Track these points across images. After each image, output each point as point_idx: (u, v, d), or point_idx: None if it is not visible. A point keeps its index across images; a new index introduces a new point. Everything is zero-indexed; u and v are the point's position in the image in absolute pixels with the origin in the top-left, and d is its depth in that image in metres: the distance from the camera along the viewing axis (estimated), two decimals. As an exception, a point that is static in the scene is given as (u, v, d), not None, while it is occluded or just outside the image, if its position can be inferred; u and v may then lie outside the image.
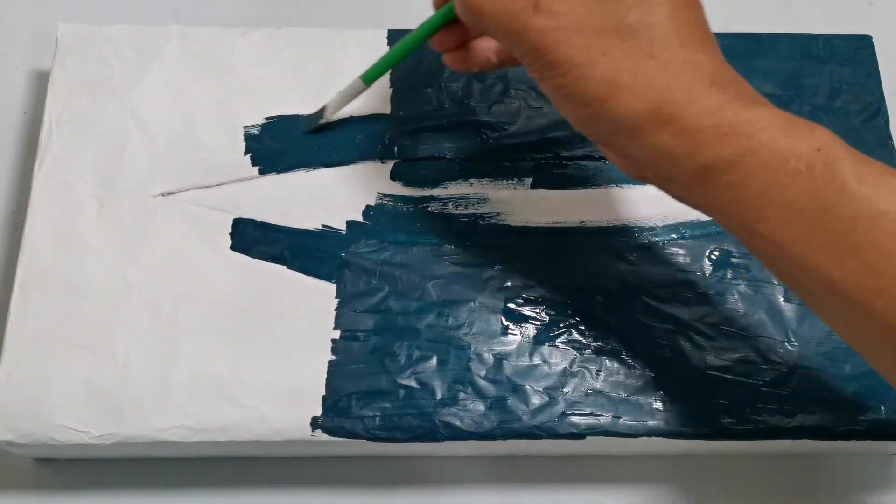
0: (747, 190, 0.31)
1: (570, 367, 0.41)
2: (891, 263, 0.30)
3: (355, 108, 0.46)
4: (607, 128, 0.33)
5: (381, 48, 0.48)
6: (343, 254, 0.43)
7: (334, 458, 0.44)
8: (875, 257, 0.30)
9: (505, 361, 0.41)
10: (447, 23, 0.38)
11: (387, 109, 0.46)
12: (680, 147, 0.32)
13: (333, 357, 0.41)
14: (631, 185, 0.46)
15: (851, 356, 0.42)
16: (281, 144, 0.45)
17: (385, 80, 0.46)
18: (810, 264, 0.31)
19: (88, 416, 0.39)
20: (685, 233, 0.45)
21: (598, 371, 0.41)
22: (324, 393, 0.40)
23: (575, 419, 0.40)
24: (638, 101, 0.32)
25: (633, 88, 0.32)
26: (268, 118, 0.46)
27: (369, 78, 0.43)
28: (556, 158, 0.46)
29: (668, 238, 0.44)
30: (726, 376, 0.42)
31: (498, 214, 0.45)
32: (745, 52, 0.48)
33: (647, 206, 0.45)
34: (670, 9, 0.32)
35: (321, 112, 0.45)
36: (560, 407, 0.40)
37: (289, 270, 0.43)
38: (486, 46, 0.40)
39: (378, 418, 0.40)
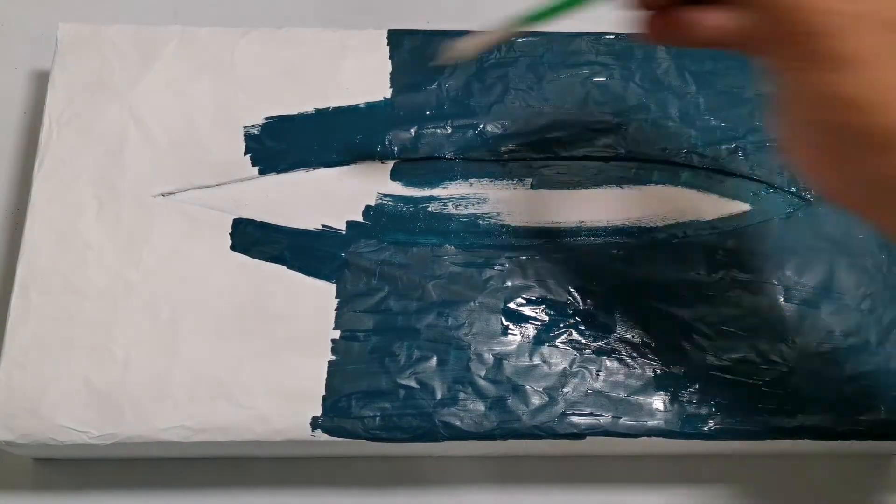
0: None
1: (570, 367, 0.41)
2: None
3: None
4: (853, 137, 0.29)
5: (381, 48, 0.47)
6: (343, 254, 0.43)
7: (334, 458, 0.44)
8: None
9: (505, 361, 0.41)
10: None
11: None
12: None
13: (333, 357, 0.41)
14: (631, 186, 0.46)
15: (851, 356, 0.42)
16: (281, 144, 0.45)
17: (385, 75, 0.47)
18: None
19: (88, 416, 0.39)
20: (685, 233, 0.45)
21: (598, 371, 0.41)
22: (324, 393, 0.40)
23: (575, 419, 0.40)
24: None
25: None
26: (268, 118, 0.46)
27: (534, 18, 0.35)
28: (556, 158, 0.46)
29: (667, 238, 0.44)
30: (726, 376, 0.42)
31: (498, 214, 0.45)
32: (745, 52, 0.48)
33: (647, 206, 0.45)
34: None
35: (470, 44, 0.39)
36: (560, 407, 0.40)
37: (289, 270, 0.43)
38: (727, 16, 0.32)
39: (378, 418, 0.40)
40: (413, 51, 0.47)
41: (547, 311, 0.43)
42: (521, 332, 0.42)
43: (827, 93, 0.29)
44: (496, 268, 0.43)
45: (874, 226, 0.31)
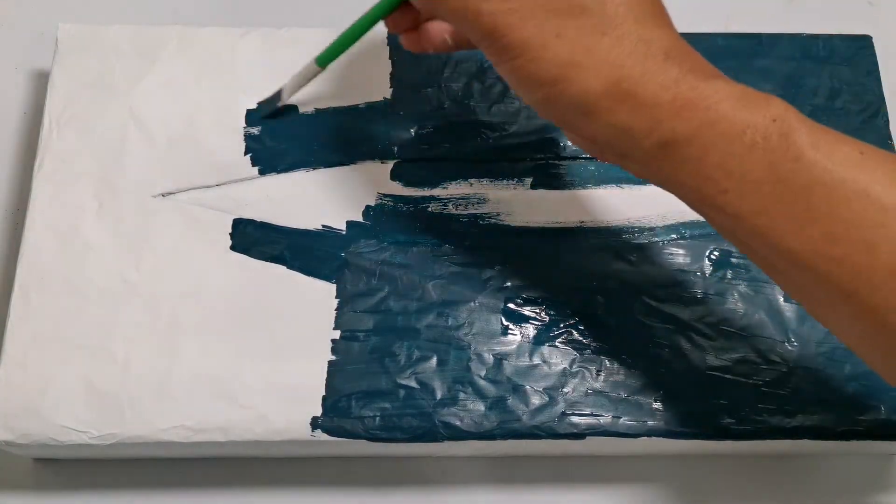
0: (705, 163, 0.31)
1: (570, 367, 0.41)
2: (847, 231, 0.30)
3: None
4: (564, 109, 0.33)
5: (381, 48, 0.48)
6: (343, 254, 0.43)
7: (334, 458, 0.44)
8: (832, 225, 0.31)
9: (505, 361, 0.41)
10: (400, 4, 0.38)
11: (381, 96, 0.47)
12: (637, 123, 0.32)
13: (333, 357, 0.41)
14: (631, 185, 0.46)
15: (851, 356, 0.42)
16: (281, 144, 0.45)
17: (385, 75, 0.47)
18: (770, 235, 0.31)
19: (88, 416, 0.39)
20: (685, 233, 0.45)
21: (598, 371, 0.41)
22: (324, 393, 0.40)
23: (575, 419, 0.40)
24: (593, 80, 0.32)
25: (587, 67, 0.32)
26: (266, 116, 0.46)
27: (323, 60, 0.43)
28: (556, 158, 0.46)
29: (668, 238, 0.44)
30: (726, 376, 0.42)
31: (498, 214, 0.45)
32: (745, 52, 0.48)
33: (647, 206, 0.45)
34: None
35: (277, 96, 0.45)
36: (560, 407, 0.40)
37: (289, 270, 0.43)
38: (441, 28, 0.39)
39: (378, 418, 0.40)
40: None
41: (547, 311, 0.43)
42: (521, 332, 0.42)
43: (521, 76, 0.33)
44: (496, 268, 0.43)
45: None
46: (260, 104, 0.46)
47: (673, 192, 0.34)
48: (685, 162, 0.32)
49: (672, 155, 0.32)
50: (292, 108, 0.46)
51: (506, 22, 0.32)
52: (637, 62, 0.32)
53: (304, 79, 0.44)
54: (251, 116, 0.46)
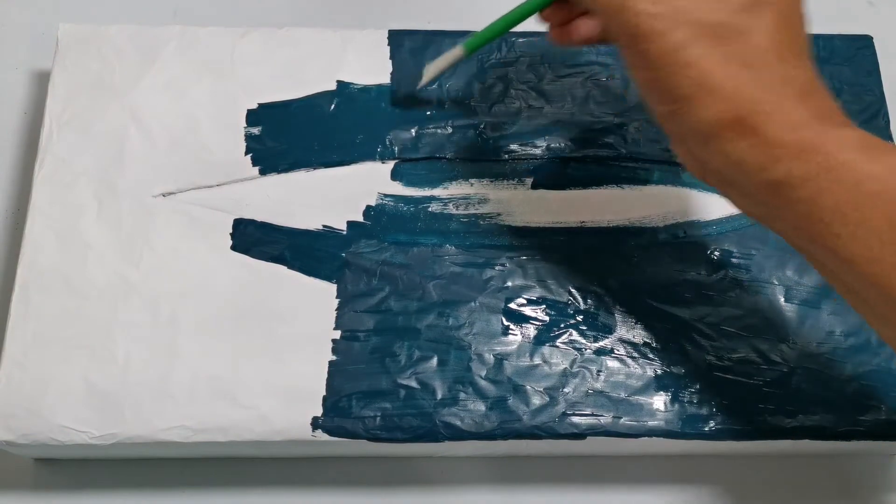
0: (818, 206, 0.31)
1: (571, 367, 0.41)
2: None
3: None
4: (686, 128, 0.33)
5: (381, 48, 0.47)
6: (343, 254, 0.43)
7: (334, 458, 0.44)
8: None
9: (505, 362, 0.41)
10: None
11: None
12: (754, 158, 0.32)
13: (334, 357, 0.41)
14: (631, 186, 0.46)
15: (852, 356, 0.42)
16: (281, 144, 0.45)
17: (385, 77, 0.47)
18: (883, 284, 0.31)
19: (88, 416, 0.39)
20: (685, 233, 0.45)
21: (599, 371, 0.41)
22: (324, 393, 0.40)
23: (575, 419, 0.40)
24: (724, 109, 0.32)
25: (722, 95, 0.32)
26: (262, 104, 0.46)
27: (471, 47, 0.43)
28: (556, 158, 0.46)
29: (668, 238, 0.44)
30: (726, 376, 0.42)
31: (498, 214, 0.45)
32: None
33: (647, 206, 0.45)
34: (775, 17, 0.32)
35: (416, 78, 0.45)
36: (560, 407, 0.40)
37: (289, 270, 0.43)
38: (591, 24, 0.39)
39: (378, 418, 0.40)
40: (413, 51, 0.47)
41: (547, 311, 0.43)
42: (521, 333, 0.42)
43: (655, 86, 0.33)
44: (497, 268, 0.43)
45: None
46: (395, 85, 0.46)
47: (776, 229, 0.34)
48: (796, 203, 0.31)
49: (783, 194, 0.32)
50: (296, 107, 0.46)
51: (654, 27, 0.32)
52: (772, 100, 0.31)
53: (447, 63, 0.44)
54: (251, 116, 0.46)
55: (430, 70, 0.44)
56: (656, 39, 0.32)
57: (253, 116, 0.46)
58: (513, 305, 0.43)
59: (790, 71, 0.32)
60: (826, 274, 0.34)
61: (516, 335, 0.42)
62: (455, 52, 0.43)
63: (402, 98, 0.46)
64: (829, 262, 0.32)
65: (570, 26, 0.39)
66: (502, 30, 0.42)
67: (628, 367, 0.42)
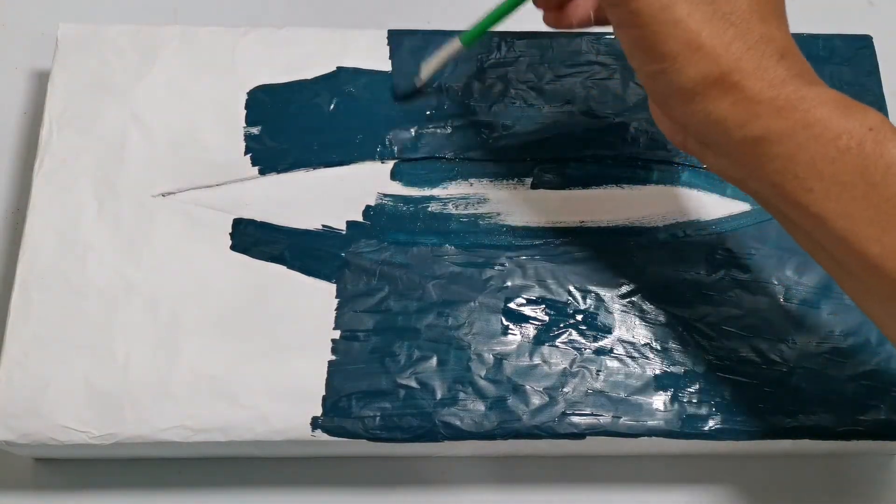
0: (794, 162, 0.32)
1: (571, 367, 0.41)
2: None
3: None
4: (669, 86, 0.34)
5: (381, 48, 0.48)
6: (343, 254, 0.43)
7: (334, 458, 0.44)
8: None
9: (505, 361, 0.41)
10: None
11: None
12: (735, 115, 0.33)
13: (333, 357, 0.41)
14: (631, 186, 0.46)
15: (851, 356, 0.42)
16: (281, 144, 0.45)
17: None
18: (851, 238, 0.32)
19: (88, 416, 0.39)
20: (685, 233, 0.45)
21: (598, 371, 0.41)
22: (324, 393, 0.40)
23: (575, 419, 0.40)
24: (709, 66, 0.33)
25: (707, 52, 0.32)
26: (260, 86, 0.46)
27: (469, 39, 0.43)
28: (556, 158, 0.46)
29: (667, 238, 0.44)
30: (726, 376, 0.42)
31: (498, 214, 0.45)
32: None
33: (647, 206, 0.45)
34: None
35: (414, 75, 0.45)
36: (560, 407, 0.40)
37: (289, 270, 0.43)
38: (587, 5, 0.40)
39: (378, 418, 0.40)
40: (413, 51, 0.47)
41: (547, 311, 0.43)
42: (521, 332, 0.42)
43: (642, 45, 0.34)
44: (496, 268, 0.43)
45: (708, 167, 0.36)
46: (394, 83, 0.46)
47: (750, 189, 0.35)
48: (773, 159, 0.32)
49: (761, 151, 0.33)
50: (294, 106, 0.46)
51: None
52: (754, 58, 0.33)
53: (447, 58, 0.44)
54: (251, 116, 0.46)
55: (429, 66, 0.45)
56: (643, 1, 0.33)
57: (252, 115, 0.46)
58: (512, 305, 0.43)
59: (771, 31, 0.33)
60: (797, 235, 0.35)
61: (516, 335, 0.42)
62: (453, 46, 0.43)
63: (401, 98, 0.46)
64: (802, 221, 0.33)
65: (565, 9, 0.41)
66: (498, 18, 0.42)
67: (628, 366, 0.42)
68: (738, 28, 0.33)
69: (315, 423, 0.40)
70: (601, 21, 0.41)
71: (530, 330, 0.42)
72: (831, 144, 0.32)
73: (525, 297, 0.43)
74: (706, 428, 0.41)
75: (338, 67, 0.47)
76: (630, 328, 0.42)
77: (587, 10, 0.40)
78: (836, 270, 0.34)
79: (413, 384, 0.41)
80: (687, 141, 0.36)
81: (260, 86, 0.46)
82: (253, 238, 0.43)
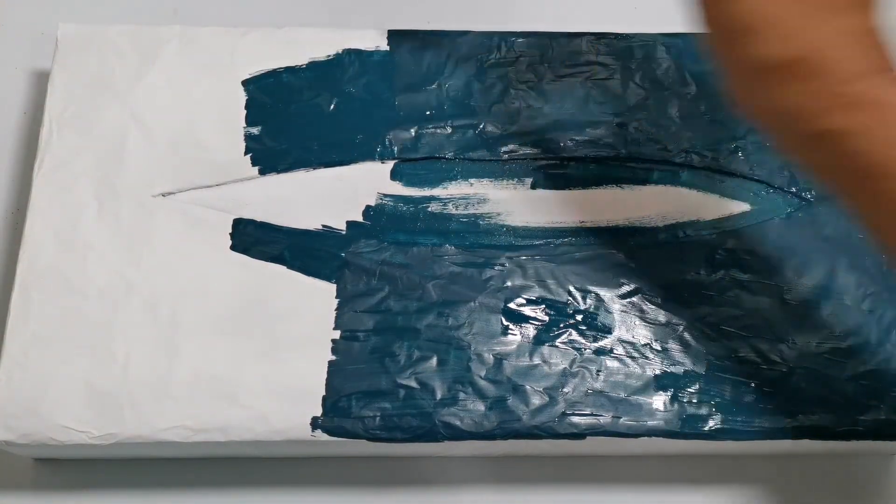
0: (869, 158, 0.31)
1: (570, 367, 0.41)
2: None
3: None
4: (751, 63, 0.32)
5: (381, 48, 0.47)
6: (343, 254, 0.43)
7: (334, 458, 0.44)
8: None
9: (505, 361, 0.41)
10: None
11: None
12: (809, 103, 0.32)
13: (333, 357, 0.41)
14: (631, 186, 0.46)
15: (851, 356, 0.42)
16: (281, 144, 0.45)
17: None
18: None
19: (88, 416, 0.39)
20: (685, 233, 0.45)
21: (598, 371, 0.41)
22: (324, 393, 0.40)
23: (575, 419, 0.40)
24: (793, 46, 0.31)
25: (795, 32, 0.31)
26: (263, 72, 0.46)
27: None
28: (556, 158, 0.46)
29: (667, 238, 0.44)
30: (726, 376, 0.42)
31: (498, 214, 0.45)
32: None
33: (647, 206, 0.45)
34: None
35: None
36: (560, 407, 0.40)
37: (289, 270, 0.43)
38: None
39: (378, 418, 0.40)
40: (413, 51, 0.47)
41: (547, 311, 0.43)
42: (521, 332, 0.42)
43: (727, 18, 0.32)
44: (496, 268, 0.43)
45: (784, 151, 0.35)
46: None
47: (816, 175, 0.34)
48: (847, 153, 0.32)
49: (833, 142, 0.32)
50: (294, 106, 0.46)
51: None
52: (837, 46, 0.31)
53: None
54: (251, 116, 0.46)
55: None
56: None
57: (252, 115, 0.46)
58: (512, 305, 0.43)
59: (858, 20, 0.32)
60: (870, 224, 0.34)
61: (516, 335, 0.42)
62: None
63: (401, 97, 0.46)
64: (872, 209, 0.32)
65: None
66: None
67: (628, 366, 0.42)
68: (826, 13, 0.32)
69: (315, 423, 0.40)
70: None
71: (530, 330, 0.42)
72: None
73: (525, 297, 0.43)
74: (706, 428, 0.41)
75: (337, 53, 0.47)
76: (630, 328, 0.42)
77: None
78: None
79: (413, 384, 0.41)
80: (760, 114, 0.34)
81: (255, 74, 0.46)
82: (253, 238, 0.43)
